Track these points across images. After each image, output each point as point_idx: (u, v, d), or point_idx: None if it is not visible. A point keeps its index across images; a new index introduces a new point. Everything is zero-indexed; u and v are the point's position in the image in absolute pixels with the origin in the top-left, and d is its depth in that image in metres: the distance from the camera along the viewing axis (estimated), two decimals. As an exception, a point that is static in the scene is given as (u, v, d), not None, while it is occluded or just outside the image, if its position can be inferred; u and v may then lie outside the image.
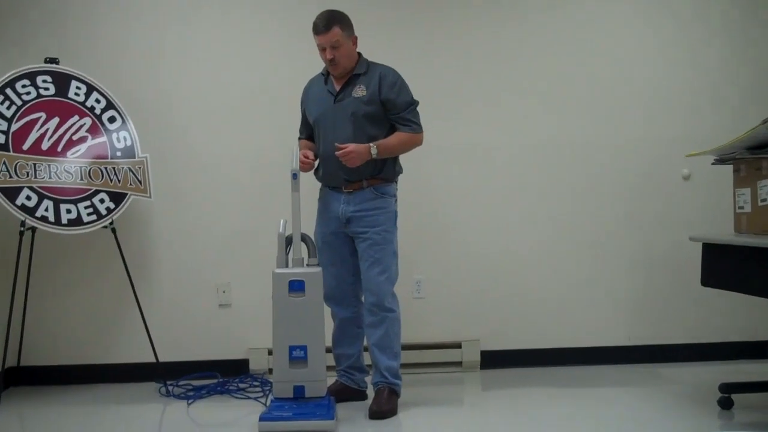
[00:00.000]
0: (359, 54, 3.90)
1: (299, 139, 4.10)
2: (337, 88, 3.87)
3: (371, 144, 3.75)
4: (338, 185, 3.86)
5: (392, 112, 3.84)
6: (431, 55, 4.75)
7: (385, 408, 3.77)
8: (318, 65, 3.97)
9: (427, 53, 4.74)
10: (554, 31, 4.80)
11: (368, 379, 4.05)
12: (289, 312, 3.61)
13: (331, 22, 3.73)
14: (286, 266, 3.69)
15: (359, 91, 3.82)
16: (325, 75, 3.93)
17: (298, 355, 3.58)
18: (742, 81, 4.86)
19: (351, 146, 3.71)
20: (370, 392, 3.97)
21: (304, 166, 3.82)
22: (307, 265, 3.70)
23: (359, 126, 3.80)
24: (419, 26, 4.76)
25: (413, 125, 3.85)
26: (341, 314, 3.95)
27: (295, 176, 3.67)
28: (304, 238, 3.73)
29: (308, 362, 3.59)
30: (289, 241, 3.71)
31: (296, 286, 3.60)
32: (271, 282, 3.63)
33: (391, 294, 3.86)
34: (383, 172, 3.85)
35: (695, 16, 4.86)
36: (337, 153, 3.70)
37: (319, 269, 3.68)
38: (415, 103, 3.87)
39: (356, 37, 3.85)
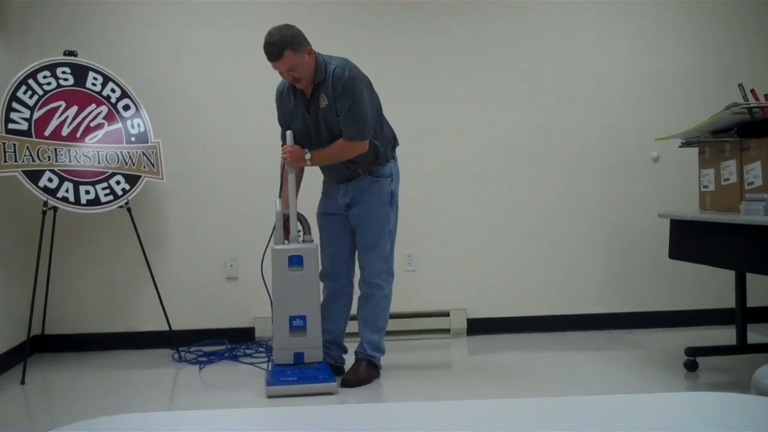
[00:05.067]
0: (316, 57, 3.50)
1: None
2: (308, 95, 3.58)
3: (306, 150, 3.58)
4: (336, 180, 3.75)
5: (339, 115, 3.52)
6: (420, 52, 4.77)
7: (357, 377, 3.65)
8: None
9: (417, 51, 4.76)
10: (535, 29, 4.83)
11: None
12: (289, 285, 3.59)
13: (281, 49, 3.34)
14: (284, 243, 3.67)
15: (322, 101, 3.50)
16: None
17: (297, 325, 3.57)
18: (707, 71, 4.86)
19: (289, 147, 3.59)
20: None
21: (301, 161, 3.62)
22: (303, 241, 3.66)
23: (335, 136, 3.57)
24: (407, 24, 4.76)
25: (348, 132, 3.50)
26: (330, 286, 3.80)
27: None
28: (299, 217, 3.68)
29: (307, 331, 3.58)
30: (286, 218, 3.66)
31: (295, 261, 3.57)
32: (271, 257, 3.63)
33: (384, 272, 3.72)
34: (379, 158, 3.66)
35: (665, 13, 4.88)
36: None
37: (315, 245, 3.64)
38: (356, 106, 3.46)
39: (310, 48, 3.46)
